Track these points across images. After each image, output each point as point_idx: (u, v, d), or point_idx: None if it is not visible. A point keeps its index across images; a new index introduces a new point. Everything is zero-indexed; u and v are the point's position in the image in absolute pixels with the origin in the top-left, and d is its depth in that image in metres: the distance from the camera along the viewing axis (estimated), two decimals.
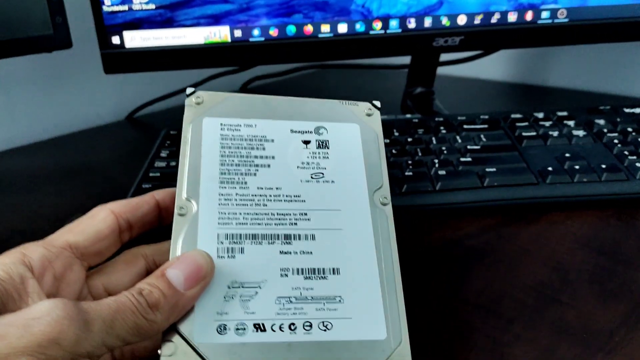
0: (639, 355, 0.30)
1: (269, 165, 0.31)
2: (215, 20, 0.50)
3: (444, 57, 0.64)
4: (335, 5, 0.50)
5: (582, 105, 0.54)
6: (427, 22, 0.52)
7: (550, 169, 0.45)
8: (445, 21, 0.52)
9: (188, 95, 0.32)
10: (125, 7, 0.49)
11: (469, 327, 0.32)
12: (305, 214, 0.29)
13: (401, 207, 0.42)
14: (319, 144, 0.32)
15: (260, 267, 0.27)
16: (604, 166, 0.45)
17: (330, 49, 0.52)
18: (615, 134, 0.49)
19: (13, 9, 0.44)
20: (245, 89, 0.80)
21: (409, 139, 0.50)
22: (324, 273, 0.28)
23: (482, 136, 0.50)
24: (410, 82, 0.65)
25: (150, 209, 0.31)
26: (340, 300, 0.27)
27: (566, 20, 0.53)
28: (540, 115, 0.53)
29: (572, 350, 0.30)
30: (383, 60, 0.79)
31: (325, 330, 0.26)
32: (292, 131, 0.32)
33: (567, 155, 0.46)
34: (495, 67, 0.84)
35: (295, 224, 0.29)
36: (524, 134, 0.50)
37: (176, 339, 0.25)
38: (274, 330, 0.26)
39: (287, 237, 0.29)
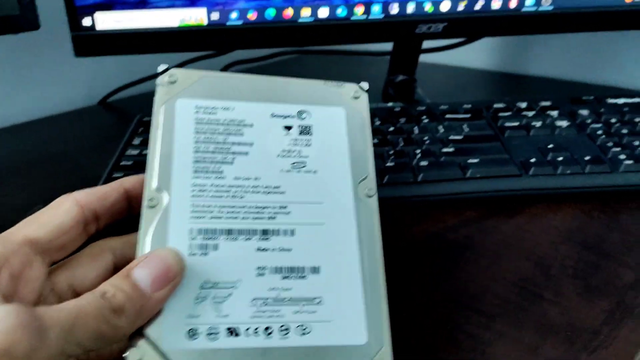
0: (624, 354, 0.29)
1: (247, 153, 0.29)
2: (191, 2, 0.48)
3: (426, 44, 0.62)
4: None
5: (566, 95, 0.54)
6: (410, 7, 0.50)
7: (533, 160, 0.44)
8: (428, 7, 0.50)
9: (160, 73, 0.30)
10: None
11: (450, 324, 0.32)
12: (285, 207, 0.28)
13: (382, 198, 0.41)
14: (301, 129, 0.30)
15: (235, 265, 0.26)
16: (587, 158, 0.44)
17: (310, 34, 0.51)
18: (599, 125, 0.48)
19: None
20: None
21: (391, 128, 0.48)
22: (303, 272, 0.26)
23: (464, 126, 0.48)
24: (392, 69, 0.63)
25: (119, 197, 0.28)
26: (319, 302, 0.26)
27: (550, 8, 0.52)
28: (524, 105, 0.52)
29: (556, 349, 0.30)
30: (365, 46, 0.77)
31: (303, 334, 0.25)
32: (272, 115, 0.30)
33: (550, 146, 0.46)
34: (477, 55, 0.83)
35: (274, 218, 0.27)
36: (506, 124, 0.49)
37: (143, 343, 0.23)
38: (248, 335, 0.24)
39: (265, 232, 0.27)
